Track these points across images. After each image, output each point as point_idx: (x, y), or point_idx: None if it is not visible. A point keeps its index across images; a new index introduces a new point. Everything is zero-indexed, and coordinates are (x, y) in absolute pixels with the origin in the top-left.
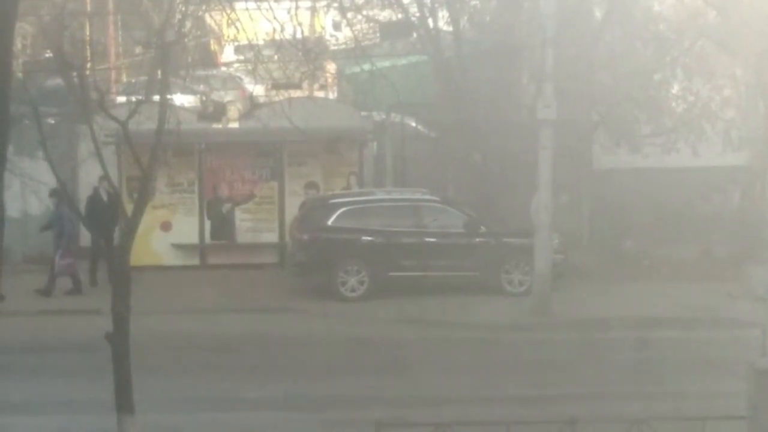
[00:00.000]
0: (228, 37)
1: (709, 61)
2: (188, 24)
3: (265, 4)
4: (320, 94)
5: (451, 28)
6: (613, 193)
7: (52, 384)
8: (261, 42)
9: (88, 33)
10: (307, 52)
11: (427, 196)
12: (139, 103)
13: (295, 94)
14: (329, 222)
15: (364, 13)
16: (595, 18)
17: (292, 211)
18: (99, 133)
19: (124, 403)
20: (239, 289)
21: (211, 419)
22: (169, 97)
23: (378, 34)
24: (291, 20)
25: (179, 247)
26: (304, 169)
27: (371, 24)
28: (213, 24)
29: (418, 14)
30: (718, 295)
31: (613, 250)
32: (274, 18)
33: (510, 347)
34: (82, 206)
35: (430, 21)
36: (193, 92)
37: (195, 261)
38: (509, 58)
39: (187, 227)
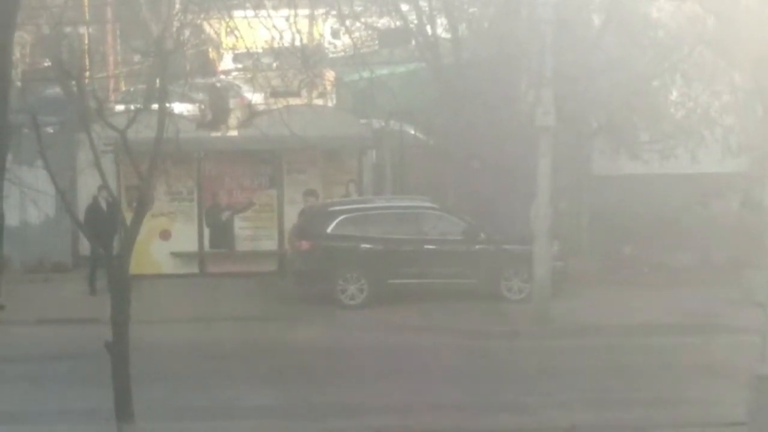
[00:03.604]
0: (227, 45)
1: (707, 68)
2: (187, 32)
3: (263, 13)
4: (319, 101)
5: (449, 35)
6: (612, 200)
7: (51, 393)
8: (260, 50)
9: (86, 42)
10: (306, 60)
11: (426, 204)
12: (137, 111)
13: (294, 101)
14: (328, 230)
15: (363, 20)
16: (593, 24)
17: (291, 219)
18: (98, 141)
19: (123, 412)
20: (238, 297)
21: (211, 428)
22: (167, 105)
23: (377, 42)
24: (289, 28)
25: (178, 255)
26: (303, 177)
27: (370, 31)
28: (212, 32)
29: (416, 21)
30: (717, 301)
31: (612, 256)
32: (273, 26)
33: (510, 354)
34: (82, 215)
35: (428, 28)
36: (192, 100)
37: (194, 269)
38: (508, 65)
39: (186, 235)
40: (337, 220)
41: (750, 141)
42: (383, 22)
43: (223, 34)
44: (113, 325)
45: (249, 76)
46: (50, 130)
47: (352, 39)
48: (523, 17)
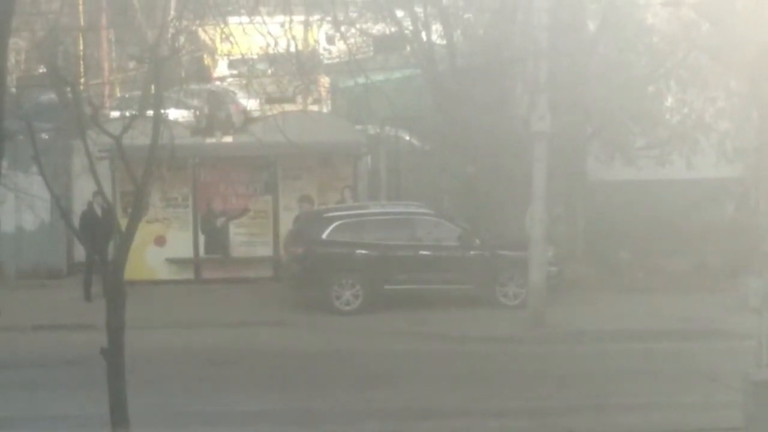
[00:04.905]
0: (222, 51)
1: (702, 73)
2: (182, 39)
3: (258, 19)
4: (314, 107)
5: (444, 41)
6: (607, 205)
7: (47, 399)
8: (255, 56)
9: (81, 48)
10: (301, 66)
11: (422, 210)
12: (132, 117)
13: (289, 108)
14: (324, 236)
15: (358, 26)
16: (588, 30)
17: (286, 225)
18: (93, 148)
19: (119, 418)
20: (234, 303)
21: None
22: (162, 111)
23: (372, 48)
24: (284, 34)
25: (173, 261)
26: (298, 183)
27: (365, 37)
28: (207, 39)
29: (411, 28)
30: (712, 306)
31: (607, 262)
32: (268, 32)
33: (505, 360)
34: (77, 221)
35: (423, 34)
36: (187, 107)
37: (189, 275)
38: (503, 71)
39: (182, 242)
40: (332, 226)
41: (745, 146)
42: (378, 29)
43: (218, 40)
44: (108, 331)
45: (244, 82)
46: (45, 136)
47: (347, 45)
48: (518, 23)
